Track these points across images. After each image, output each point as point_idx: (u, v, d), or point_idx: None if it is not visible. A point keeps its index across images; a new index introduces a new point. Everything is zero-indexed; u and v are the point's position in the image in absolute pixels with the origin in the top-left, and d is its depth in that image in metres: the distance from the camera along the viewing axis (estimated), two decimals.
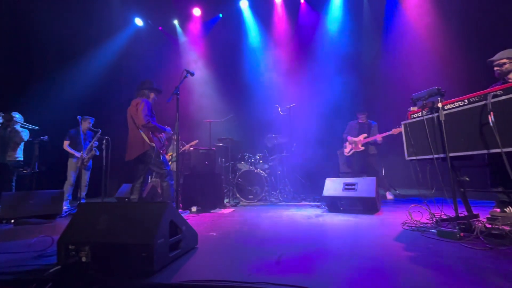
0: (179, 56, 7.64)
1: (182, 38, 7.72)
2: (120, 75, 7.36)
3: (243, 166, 4.99)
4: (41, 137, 4.12)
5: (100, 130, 4.51)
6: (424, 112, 2.38)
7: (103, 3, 6.72)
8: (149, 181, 4.31)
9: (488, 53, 2.70)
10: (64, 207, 3.96)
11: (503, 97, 1.83)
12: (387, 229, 2.24)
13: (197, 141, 4.95)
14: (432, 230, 2.02)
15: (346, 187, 3.29)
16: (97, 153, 4.48)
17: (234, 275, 1.33)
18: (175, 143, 5.64)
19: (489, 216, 2.14)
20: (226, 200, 4.67)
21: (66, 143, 4.46)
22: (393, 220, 2.59)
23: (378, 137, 4.40)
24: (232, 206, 4.19)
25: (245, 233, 2.29)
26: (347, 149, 4.78)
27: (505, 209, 2.20)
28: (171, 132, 3.35)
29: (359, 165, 4.67)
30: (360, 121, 4.77)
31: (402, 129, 2.63)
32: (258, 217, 3.12)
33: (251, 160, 5.07)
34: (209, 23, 7.60)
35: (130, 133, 3.18)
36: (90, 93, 6.32)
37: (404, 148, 2.60)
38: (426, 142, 2.33)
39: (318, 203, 4.05)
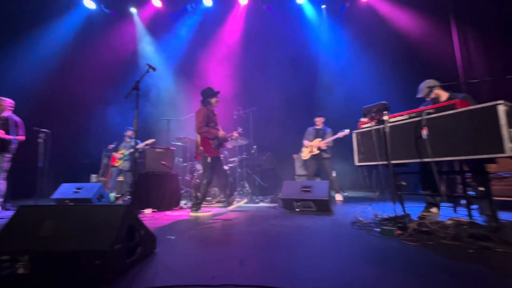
0: (135, 47, 7.16)
1: (140, 28, 7.26)
2: (66, 61, 6.57)
3: (200, 167, 4.89)
4: None
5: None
6: (373, 123, 2.68)
7: None
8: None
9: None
10: None
11: (434, 115, 2.18)
12: (339, 229, 2.45)
13: (153, 140, 4.70)
14: (376, 229, 2.28)
15: (303, 189, 3.49)
16: None
17: (197, 279, 1.32)
18: (127, 140, 5.29)
19: (420, 215, 2.51)
20: (183, 202, 4.53)
21: None
22: (344, 220, 2.84)
23: (322, 144, 4.79)
24: (190, 207, 4.07)
25: (204, 236, 2.27)
26: (304, 153, 5.07)
27: (431, 209, 2.60)
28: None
29: (314, 168, 4.99)
30: (316, 127, 5.10)
31: (353, 137, 2.92)
32: (216, 219, 3.11)
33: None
34: (170, 15, 7.29)
35: None
36: (30, 79, 5.51)
37: (354, 154, 2.89)
38: (373, 150, 2.63)
39: (276, 204, 4.19)
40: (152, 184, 3.84)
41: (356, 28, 6.70)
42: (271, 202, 4.53)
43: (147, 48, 7.29)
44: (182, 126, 6.05)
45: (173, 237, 2.18)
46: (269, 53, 6.90)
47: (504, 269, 1.36)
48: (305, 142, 5.06)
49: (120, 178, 5.31)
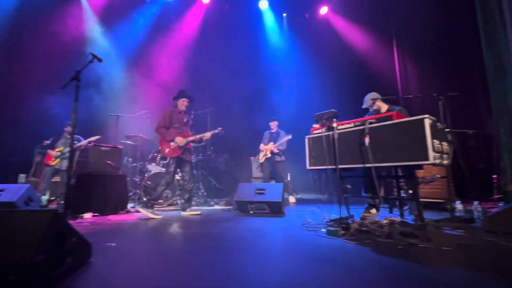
0: (83, 34, 6.46)
1: (89, 14, 6.58)
2: None
3: (153, 168, 4.62)
4: None
5: None
6: (323, 130, 2.85)
7: None
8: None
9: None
10: None
11: (376, 124, 2.40)
12: (290, 230, 2.53)
13: (98, 136, 4.29)
14: (323, 230, 2.41)
15: (257, 191, 3.53)
16: None
17: None
18: (67, 136, 4.72)
19: (361, 216, 2.73)
20: (131, 205, 4.21)
21: None
22: (295, 222, 2.94)
23: (273, 147, 4.98)
24: (137, 211, 3.81)
25: (150, 241, 2.13)
26: (260, 156, 5.18)
27: (371, 210, 2.85)
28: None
29: (268, 171, 5.12)
30: (272, 130, 5.24)
31: (306, 141, 3.06)
32: (166, 223, 2.96)
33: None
34: (126, 4, 6.78)
35: None
36: None
37: (306, 158, 3.02)
38: (323, 155, 2.79)
39: (230, 207, 4.16)
40: (94, 186, 3.49)
41: (313, 38, 7.11)
42: (226, 204, 4.49)
43: (97, 36, 6.64)
44: (136, 124, 5.64)
45: (113, 244, 2.00)
46: (227, 54, 6.88)
47: (424, 262, 1.55)
48: (261, 146, 5.20)
49: (56, 179, 4.71)
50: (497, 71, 3.43)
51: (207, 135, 3.72)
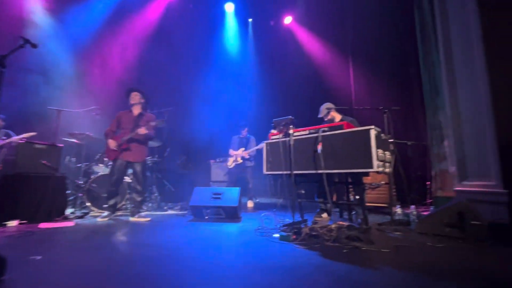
0: (22, 15, 5.67)
1: None
2: None
3: (100, 169, 4.21)
4: None
5: None
6: (280, 136, 2.90)
7: None
8: None
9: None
10: None
11: (328, 133, 2.52)
12: (243, 236, 2.49)
13: (33, 133, 3.77)
14: (276, 235, 2.42)
15: (213, 196, 3.44)
16: None
17: None
18: None
19: (313, 220, 2.82)
20: (70, 210, 3.76)
21: None
22: (250, 227, 2.91)
23: (245, 153, 4.95)
24: (78, 217, 3.42)
25: (84, 253, 1.91)
26: (230, 162, 5.11)
27: (322, 215, 2.97)
28: None
29: (235, 177, 5.06)
30: (241, 135, 5.19)
31: (263, 146, 3.08)
32: (109, 231, 2.70)
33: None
34: None
35: None
36: None
37: (263, 163, 3.04)
38: (280, 160, 2.83)
39: (185, 212, 3.99)
40: (23, 189, 3.04)
41: (276, 46, 7.30)
42: (181, 209, 4.29)
43: (41, 19, 5.87)
44: (83, 120, 5.09)
45: (38, 257, 1.73)
46: (188, 53, 6.66)
47: (365, 265, 1.64)
48: (231, 151, 5.11)
49: None
50: (431, 91, 3.90)
51: (141, 131, 3.36)
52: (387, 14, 5.32)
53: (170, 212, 4.15)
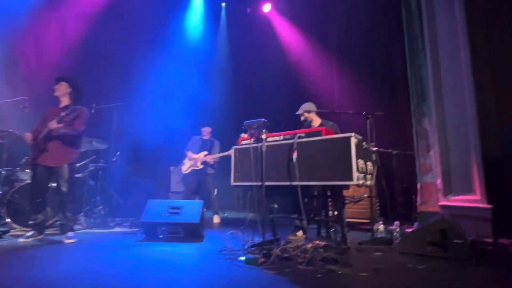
0: None
1: None
2: None
3: (28, 176, 3.89)
4: None
5: None
6: (252, 141, 2.89)
7: None
8: None
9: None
10: None
11: (305, 139, 2.56)
12: (204, 259, 2.45)
13: None
14: (241, 258, 2.39)
15: (171, 210, 3.34)
16: None
17: None
18: None
19: (286, 239, 2.84)
20: None
21: None
22: (213, 248, 2.82)
23: (209, 158, 4.84)
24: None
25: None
26: (186, 166, 4.93)
27: (297, 233, 3.00)
28: None
29: (194, 185, 4.91)
30: (203, 137, 5.08)
31: (232, 153, 3.06)
32: (31, 255, 2.50)
33: None
34: None
35: None
36: None
37: (232, 172, 3.02)
38: (250, 169, 2.82)
39: (136, 229, 3.82)
40: None
41: (252, 35, 7.34)
42: (131, 226, 4.10)
43: None
44: (6, 114, 4.70)
45: None
46: (142, 38, 6.44)
47: None
48: (189, 154, 4.94)
49: None
50: (418, 96, 4.15)
51: (51, 125, 3.08)
52: (375, 11, 5.60)
53: (117, 229, 3.99)
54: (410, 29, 4.23)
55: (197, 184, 4.94)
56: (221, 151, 4.97)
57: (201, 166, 4.85)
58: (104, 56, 5.74)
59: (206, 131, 5.07)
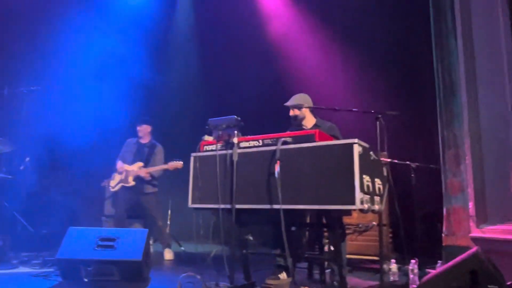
0: None
1: None
2: None
3: None
4: None
5: None
6: (219, 146, 2.87)
7: None
8: None
9: None
10: None
11: (292, 146, 2.56)
12: None
13: None
14: None
15: (101, 243, 3.27)
16: None
17: None
18: None
19: (263, 284, 2.83)
20: None
21: None
22: None
23: (144, 172, 4.76)
24: None
25: None
26: (114, 181, 4.92)
27: (279, 275, 3.00)
28: None
29: (126, 207, 4.87)
30: (140, 140, 5.04)
31: (191, 162, 3.02)
32: None
33: None
34: None
35: None
36: None
37: (189, 190, 2.99)
38: (215, 187, 2.79)
39: (50, 270, 3.74)
40: None
41: (225, 6, 7.37)
42: (43, 265, 4.02)
43: None
44: None
45: None
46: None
47: None
48: (118, 164, 4.90)
49: None
50: (446, 91, 4.28)
51: None
52: None
53: (22, 269, 3.96)
54: (437, 3, 4.37)
55: (132, 207, 4.88)
56: (165, 159, 4.94)
57: (132, 183, 4.79)
58: (6, 17, 5.61)
59: (144, 131, 5.01)
